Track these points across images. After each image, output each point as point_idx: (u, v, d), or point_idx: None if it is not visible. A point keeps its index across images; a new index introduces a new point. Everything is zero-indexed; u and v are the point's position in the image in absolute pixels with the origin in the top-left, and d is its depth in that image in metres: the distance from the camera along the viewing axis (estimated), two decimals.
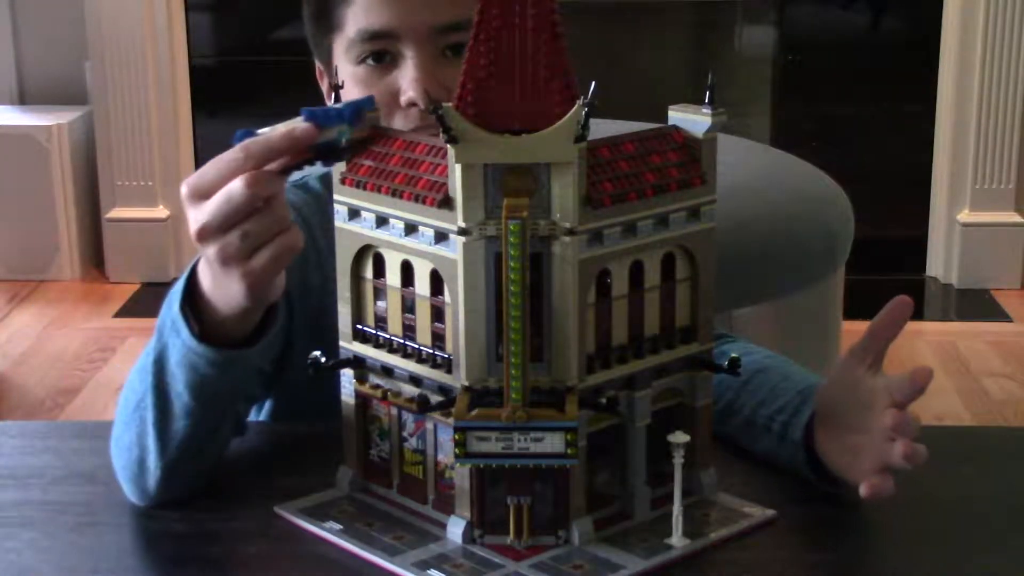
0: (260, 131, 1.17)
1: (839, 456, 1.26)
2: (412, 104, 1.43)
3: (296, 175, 1.49)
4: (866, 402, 1.24)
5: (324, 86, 1.56)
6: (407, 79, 1.43)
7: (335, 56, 1.49)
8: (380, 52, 1.45)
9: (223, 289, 1.18)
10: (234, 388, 1.28)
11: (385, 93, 1.43)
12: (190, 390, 1.24)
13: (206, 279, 1.20)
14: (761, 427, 1.35)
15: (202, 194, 1.14)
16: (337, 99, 1.24)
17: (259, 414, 1.58)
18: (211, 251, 1.15)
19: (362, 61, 1.46)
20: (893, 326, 1.25)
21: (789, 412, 1.33)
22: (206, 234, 1.14)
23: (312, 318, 1.47)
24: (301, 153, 1.16)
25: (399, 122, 1.44)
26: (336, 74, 1.39)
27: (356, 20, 1.45)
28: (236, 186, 1.12)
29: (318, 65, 1.57)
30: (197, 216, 1.14)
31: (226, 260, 1.14)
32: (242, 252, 1.14)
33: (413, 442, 1.25)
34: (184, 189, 1.15)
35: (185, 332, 1.21)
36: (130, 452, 1.28)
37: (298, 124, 1.16)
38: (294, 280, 1.45)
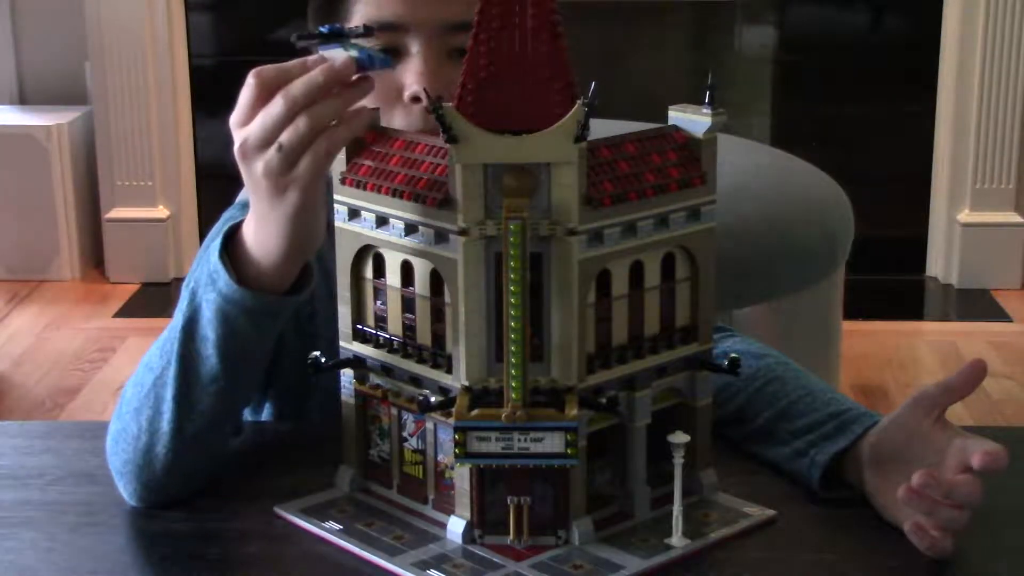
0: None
1: (888, 497, 1.25)
2: (415, 99, 1.41)
3: None
4: (931, 455, 1.23)
5: None
6: (412, 73, 1.41)
7: None
8: (386, 48, 1.44)
9: (272, 218, 1.20)
10: (259, 353, 1.29)
11: (388, 88, 1.41)
12: (220, 349, 1.24)
13: (250, 224, 1.23)
14: (780, 440, 1.34)
15: (244, 122, 1.19)
16: None
17: (258, 417, 1.58)
18: (257, 167, 1.18)
19: None
20: (969, 386, 1.25)
21: (819, 435, 1.32)
22: (247, 152, 1.18)
23: (303, 321, 1.47)
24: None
25: (399, 119, 1.42)
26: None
27: (365, 12, 1.44)
28: (273, 104, 1.16)
29: None
30: (238, 137, 1.19)
31: (269, 173, 1.17)
32: (282, 163, 1.17)
33: (413, 442, 1.25)
34: (231, 119, 1.20)
35: (224, 279, 1.23)
36: (136, 442, 1.28)
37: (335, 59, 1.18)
38: None
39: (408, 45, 1.42)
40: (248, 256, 1.24)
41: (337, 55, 1.19)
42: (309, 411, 1.52)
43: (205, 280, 1.25)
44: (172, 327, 1.28)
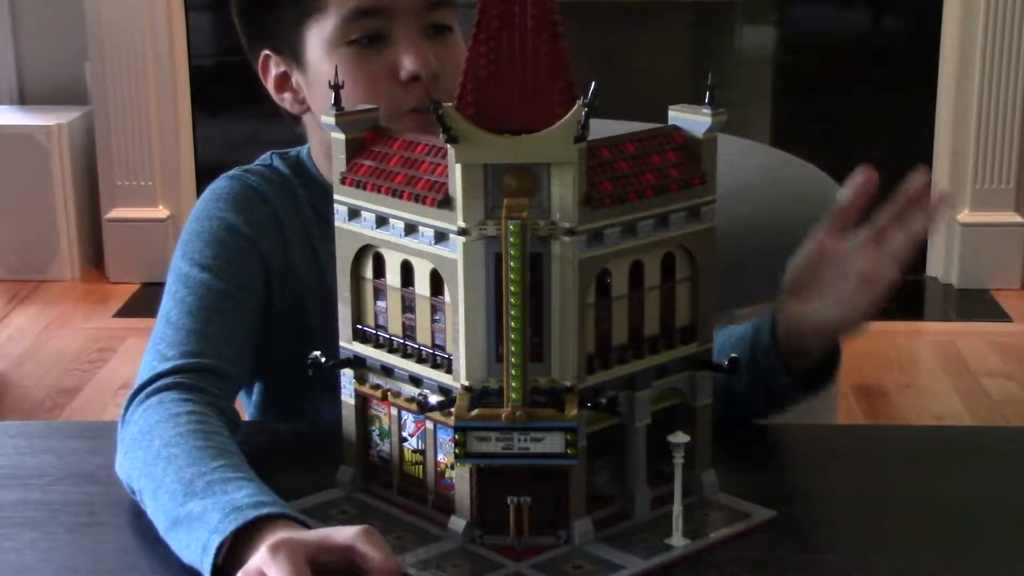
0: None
1: (810, 302, 1.36)
2: (414, 78, 1.43)
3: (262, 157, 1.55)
4: (843, 255, 1.35)
5: (269, 81, 1.55)
6: (405, 54, 1.44)
7: (308, 43, 1.48)
8: (369, 35, 1.45)
9: None
10: None
11: (382, 71, 1.44)
12: None
13: None
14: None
15: None
16: (337, 99, 1.24)
17: (248, 398, 1.59)
18: None
19: (353, 42, 1.45)
20: (864, 195, 1.33)
21: (754, 330, 1.40)
22: None
23: (293, 300, 1.49)
24: None
25: (397, 100, 1.43)
26: (324, 73, 1.41)
27: (342, 2, 1.45)
28: None
29: (263, 55, 1.56)
30: None
31: None
32: None
33: (413, 442, 1.25)
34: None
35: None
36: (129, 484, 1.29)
37: None
38: (276, 261, 1.47)
39: (390, 28, 1.45)
40: None
41: None
42: (319, 411, 1.51)
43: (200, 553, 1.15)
44: (154, 515, 1.22)
